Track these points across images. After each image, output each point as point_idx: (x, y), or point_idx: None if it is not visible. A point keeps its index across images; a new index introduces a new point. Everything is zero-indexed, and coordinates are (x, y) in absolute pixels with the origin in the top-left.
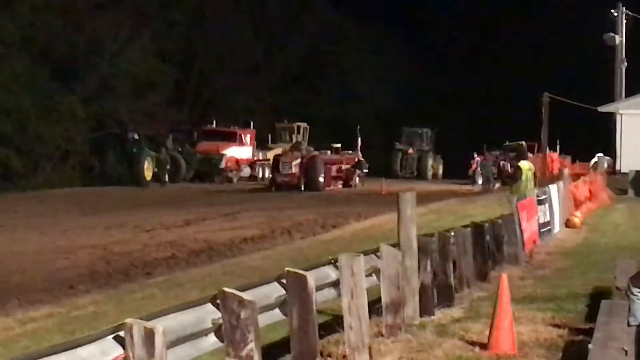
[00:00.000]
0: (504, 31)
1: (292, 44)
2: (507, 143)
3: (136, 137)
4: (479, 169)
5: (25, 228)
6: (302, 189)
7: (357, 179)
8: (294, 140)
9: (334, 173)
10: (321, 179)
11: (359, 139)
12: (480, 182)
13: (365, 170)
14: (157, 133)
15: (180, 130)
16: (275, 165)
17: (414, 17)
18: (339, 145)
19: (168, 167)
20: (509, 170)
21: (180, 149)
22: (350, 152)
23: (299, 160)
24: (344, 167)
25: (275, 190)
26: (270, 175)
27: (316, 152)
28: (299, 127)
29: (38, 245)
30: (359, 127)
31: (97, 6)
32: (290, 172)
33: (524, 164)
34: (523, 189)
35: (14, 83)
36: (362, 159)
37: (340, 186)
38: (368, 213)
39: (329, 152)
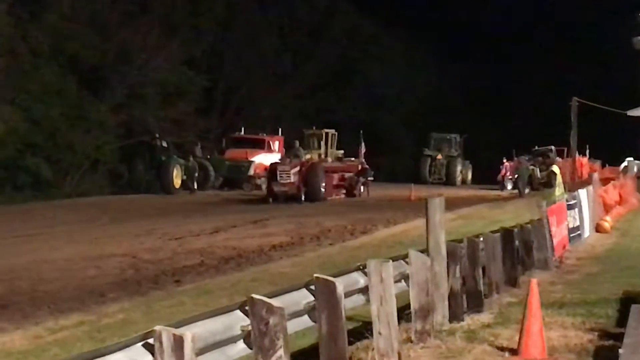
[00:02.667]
0: (533, 36)
1: (319, 50)
2: (536, 148)
3: (165, 145)
4: (513, 174)
5: (54, 236)
6: (302, 199)
7: (362, 187)
8: (322, 146)
9: (335, 181)
10: (322, 188)
11: (363, 144)
12: (509, 187)
13: (370, 178)
14: (185, 141)
15: (208, 138)
16: (272, 174)
17: (442, 23)
18: (341, 151)
19: (196, 174)
20: (539, 176)
21: (208, 157)
22: (353, 159)
23: (298, 168)
24: (346, 175)
25: (272, 202)
26: (267, 185)
27: (316, 160)
28: (327, 133)
29: (68, 253)
30: (361, 132)
31: (125, 15)
32: (288, 181)
33: (556, 169)
34: (560, 194)
35: (44, 92)
36: (367, 166)
37: (343, 195)
38: (397, 219)
39: (329, 159)
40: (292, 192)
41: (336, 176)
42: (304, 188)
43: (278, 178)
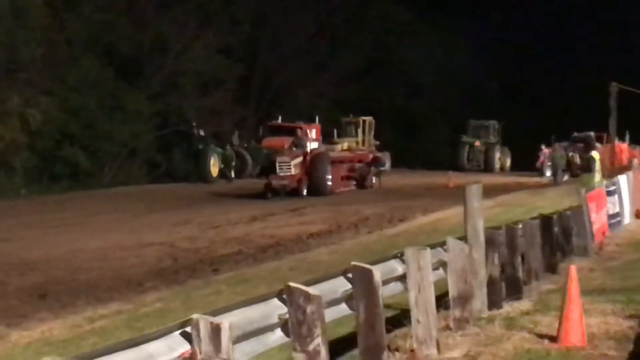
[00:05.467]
0: (571, 21)
1: (355, 37)
2: (575, 134)
3: (202, 133)
4: (547, 161)
5: (92, 226)
6: (305, 193)
7: (374, 178)
8: (359, 134)
9: (344, 172)
10: (328, 181)
11: (372, 131)
12: (548, 174)
13: (383, 168)
14: (222, 129)
15: (245, 126)
16: (271, 166)
17: (479, 9)
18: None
19: (234, 163)
20: (578, 162)
21: (245, 145)
22: (363, 147)
23: (300, 159)
24: (357, 165)
25: (271, 196)
26: (267, 178)
27: (322, 149)
28: (364, 121)
29: (106, 242)
30: (371, 117)
31: (161, 5)
32: (289, 173)
33: (596, 155)
34: (600, 181)
35: (81, 83)
36: (379, 155)
37: (354, 187)
38: (435, 207)
39: (337, 147)
40: (292, 185)
41: (345, 167)
42: (308, 181)
43: (277, 170)
